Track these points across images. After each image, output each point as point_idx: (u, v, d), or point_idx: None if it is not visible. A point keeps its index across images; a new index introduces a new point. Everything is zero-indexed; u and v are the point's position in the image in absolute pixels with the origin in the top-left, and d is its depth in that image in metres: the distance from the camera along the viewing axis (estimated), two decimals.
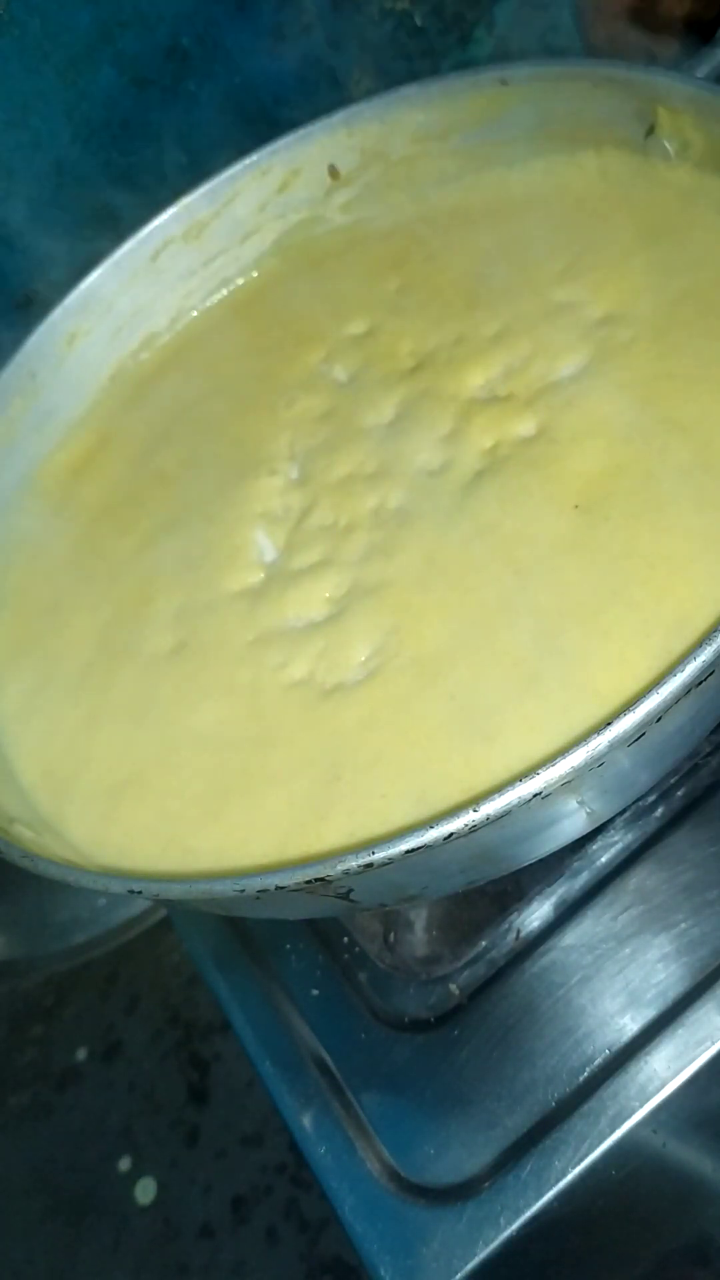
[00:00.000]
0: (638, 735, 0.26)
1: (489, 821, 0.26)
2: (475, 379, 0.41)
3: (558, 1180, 0.36)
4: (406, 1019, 0.42)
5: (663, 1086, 0.36)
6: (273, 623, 0.38)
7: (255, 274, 0.53)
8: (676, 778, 0.42)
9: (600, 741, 0.25)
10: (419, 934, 0.44)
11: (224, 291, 0.53)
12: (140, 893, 0.30)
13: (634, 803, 0.42)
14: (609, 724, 0.26)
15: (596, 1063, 0.38)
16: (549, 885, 0.42)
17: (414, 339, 0.44)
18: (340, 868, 0.26)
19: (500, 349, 0.42)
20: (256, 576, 0.40)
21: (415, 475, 0.39)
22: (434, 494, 0.38)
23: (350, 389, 0.44)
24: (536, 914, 0.42)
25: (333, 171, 0.51)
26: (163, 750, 0.37)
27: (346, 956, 0.44)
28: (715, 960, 0.38)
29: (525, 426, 0.39)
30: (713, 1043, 0.37)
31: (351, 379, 0.45)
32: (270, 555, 0.40)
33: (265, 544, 0.41)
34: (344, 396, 0.44)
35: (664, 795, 0.42)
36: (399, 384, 0.43)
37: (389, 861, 0.26)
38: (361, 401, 0.43)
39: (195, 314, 0.53)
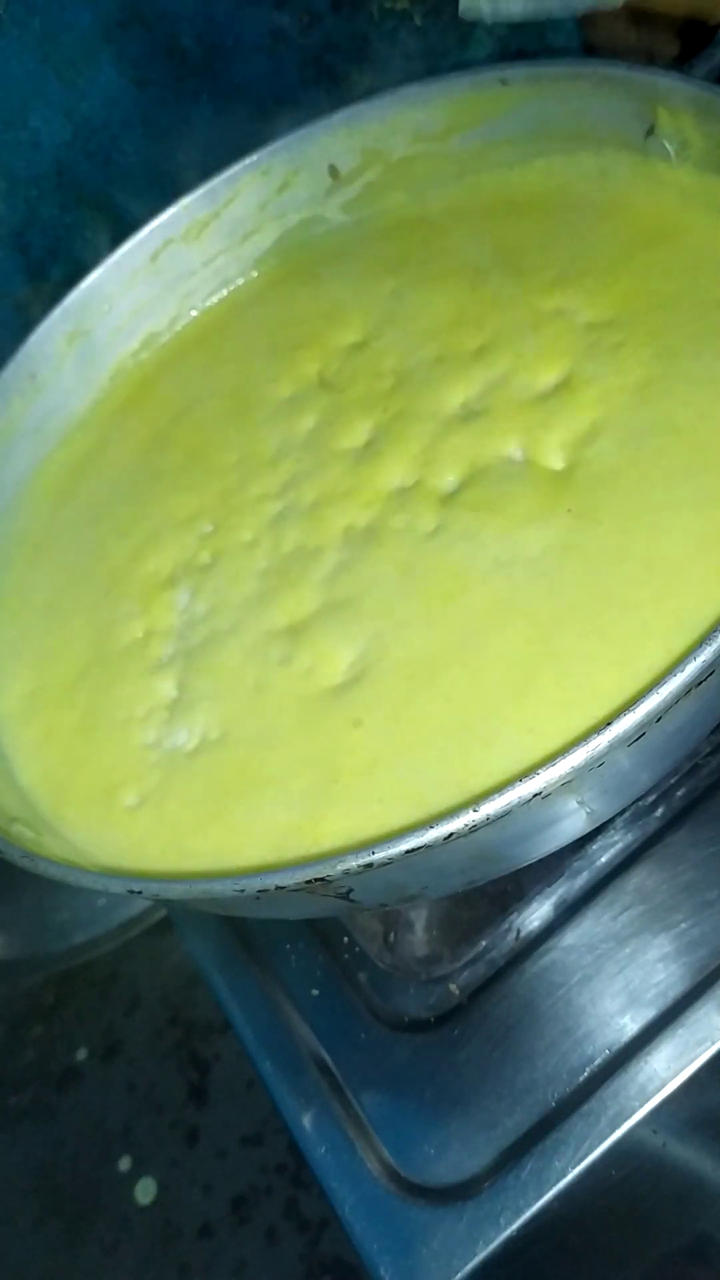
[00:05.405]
0: (638, 735, 0.26)
1: (489, 821, 0.26)
2: (454, 398, 0.41)
3: (558, 1180, 0.36)
4: (406, 1019, 0.42)
5: (663, 1086, 0.36)
6: (271, 625, 0.38)
7: (255, 274, 0.53)
8: (676, 778, 0.42)
9: (600, 741, 0.26)
10: (419, 934, 0.44)
11: (224, 291, 0.53)
12: (140, 893, 0.30)
13: (634, 803, 0.42)
14: (609, 724, 0.26)
15: (596, 1063, 0.38)
16: (549, 885, 0.42)
17: (398, 355, 0.44)
18: (340, 867, 0.26)
19: (480, 366, 0.41)
20: (256, 582, 0.40)
21: (390, 494, 0.39)
22: (405, 509, 0.38)
23: (334, 409, 0.44)
24: (536, 914, 0.42)
25: (333, 171, 0.51)
26: (160, 752, 0.37)
27: (346, 956, 0.44)
28: (715, 960, 0.38)
29: (505, 438, 0.38)
30: (713, 1043, 0.37)
31: (339, 394, 0.44)
32: (264, 562, 0.40)
33: (262, 549, 0.41)
34: (330, 414, 0.44)
35: (664, 795, 0.42)
36: (376, 405, 0.43)
37: (389, 861, 0.26)
38: (340, 425, 0.43)
39: (195, 314, 0.53)
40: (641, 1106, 0.36)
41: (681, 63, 0.48)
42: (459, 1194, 0.37)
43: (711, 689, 0.27)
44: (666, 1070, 0.37)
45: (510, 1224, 0.36)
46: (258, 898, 0.28)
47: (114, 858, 0.36)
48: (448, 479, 0.38)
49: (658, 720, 0.26)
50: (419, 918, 0.44)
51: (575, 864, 0.42)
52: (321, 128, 0.50)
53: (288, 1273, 0.64)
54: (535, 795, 0.25)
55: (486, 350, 0.42)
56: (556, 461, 0.37)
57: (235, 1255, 0.66)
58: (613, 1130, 0.36)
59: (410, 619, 0.35)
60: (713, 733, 0.41)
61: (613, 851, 0.42)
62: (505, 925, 0.42)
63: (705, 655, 0.26)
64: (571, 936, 0.41)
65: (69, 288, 0.50)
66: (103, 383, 0.52)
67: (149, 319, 0.52)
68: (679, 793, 0.42)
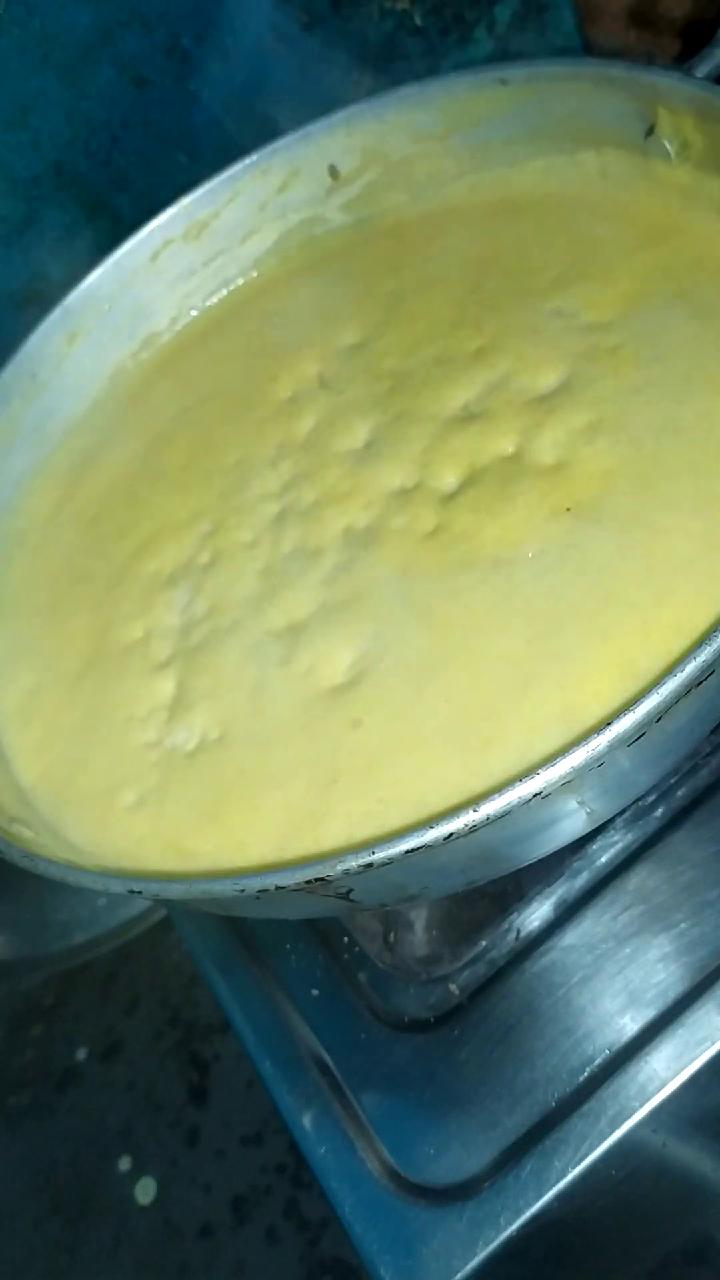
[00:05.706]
0: (638, 735, 0.26)
1: (489, 821, 0.26)
2: (454, 400, 0.41)
3: (558, 1180, 0.36)
4: (406, 1019, 0.42)
5: (663, 1086, 0.37)
6: (271, 625, 0.38)
7: (255, 274, 0.53)
8: (676, 778, 0.42)
9: (600, 741, 0.26)
10: (419, 934, 0.44)
11: (224, 291, 0.53)
12: (140, 893, 0.30)
13: (634, 803, 0.42)
14: (609, 724, 0.26)
15: (596, 1063, 0.38)
16: (549, 885, 0.42)
17: (398, 355, 0.44)
18: (340, 867, 0.26)
19: (480, 367, 0.41)
20: (256, 582, 0.40)
21: (389, 495, 0.39)
22: (405, 510, 0.38)
23: (334, 409, 0.44)
24: (536, 914, 0.42)
25: (333, 171, 0.51)
26: (160, 752, 0.37)
27: (346, 956, 0.44)
28: (715, 960, 0.38)
29: (505, 439, 0.38)
30: (713, 1043, 0.37)
31: (337, 396, 0.44)
32: (264, 563, 0.40)
33: (262, 549, 0.41)
34: (328, 416, 0.44)
35: (664, 795, 0.42)
36: (375, 406, 0.42)
37: (389, 861, 0.26)
38: (339, 426, 0.43)
39: (195, 314, 0.53)
40: (641, 1106, 0.36)
41: (681, 63, 0.48)
42: (459, 1194, 0.37)
43: (711, 689, 0.27)
44: (666, 1070, 0.37)
45: (510, 1224, 0.36)
46: (258, 898, 0.28)
47: (114, 858, 0.36)
48: (447, 480, 0.38)
49: (658, 720, 0.26)
50: (419, 918, 0.44)
51: (575, 864, 0.42)
52: (321, 128, 0.50)
53: (288, 1273, 0.64)
54: (535, 795, 0.25)
55: (486, 351, 0.42)
56: (556, 462, 0.37)
57: (235, 1255, 0.66)
58: (613, 1130, 0.36)
59: (410, 619, 0.35)
60: (713, 733, 0.41)
61: (613, 851, 0.42)
62: (505, 925, 0.42)
63: (705, 655, 0.26)
64: (571, 936, 0.41)
65: (69, 288, 0.50)
66: (103, 383, 0.52)
67: (149, 319, 0.52)
68: (679, 793, 0.42)
